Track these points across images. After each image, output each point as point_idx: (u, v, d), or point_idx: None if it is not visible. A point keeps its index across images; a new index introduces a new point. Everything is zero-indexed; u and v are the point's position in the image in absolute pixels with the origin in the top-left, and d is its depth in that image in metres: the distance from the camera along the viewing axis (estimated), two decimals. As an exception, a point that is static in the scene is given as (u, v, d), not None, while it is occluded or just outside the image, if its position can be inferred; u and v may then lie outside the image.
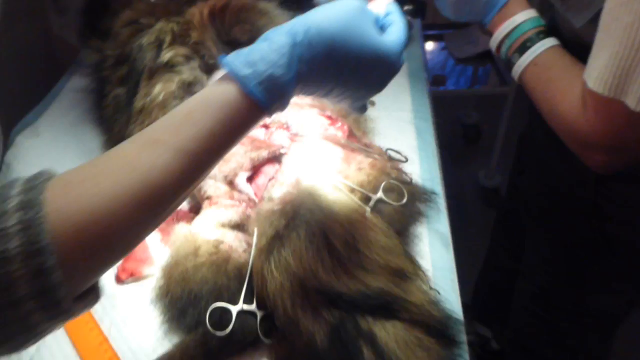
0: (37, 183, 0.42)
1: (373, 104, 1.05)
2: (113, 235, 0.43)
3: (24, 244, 0.37)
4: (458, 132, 2.59)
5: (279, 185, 0.73)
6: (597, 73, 0.63)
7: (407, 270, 0.65)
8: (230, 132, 0.48)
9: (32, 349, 0.68)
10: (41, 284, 0.38)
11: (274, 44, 0.48)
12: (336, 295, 0.61)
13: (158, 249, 0.79)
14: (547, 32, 0.79)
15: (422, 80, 1.13)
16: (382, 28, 0.55)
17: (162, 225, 0.83)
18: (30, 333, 0.41)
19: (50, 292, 0.39)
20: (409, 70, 1.16)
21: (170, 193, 0.46)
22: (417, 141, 0.97)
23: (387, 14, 0.57)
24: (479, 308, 1.54)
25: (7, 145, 0.97)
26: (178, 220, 0.83)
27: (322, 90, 0.53)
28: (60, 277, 0.39)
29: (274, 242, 0.64)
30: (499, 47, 0.83)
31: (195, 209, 0.84)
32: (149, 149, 0.45)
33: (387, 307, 0.62)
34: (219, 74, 0.88)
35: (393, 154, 0.85)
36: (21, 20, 1.14)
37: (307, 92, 0.52)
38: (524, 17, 0.80)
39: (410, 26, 1.25)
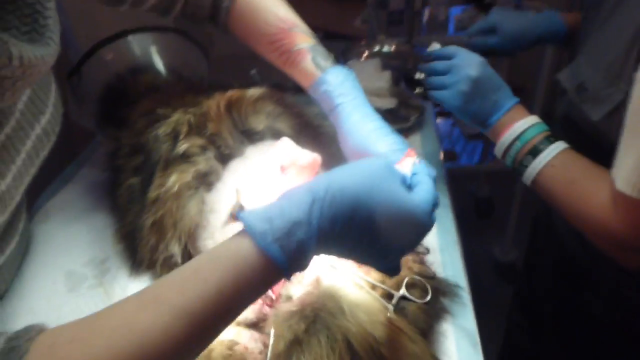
0: (20, 343, 0.38)
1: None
2: None
3: None
4: (469, 205, 2.57)
5: (297, 283, 0.70)
6: (625, 174, 0.61)
7: (436, 380, 0.60)
8: (242, 292, 0.44)
9: None
10: None
11: (293, 200, 0.46)
12: (361, 409, 0.57)
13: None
14: (555, 137, 0.79)
15: (439, 167, 1.12)
16: (409, 187, 0.53)
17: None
18: None
19: None
20: (425, 155, 1.15)
21: (170, 358, 0.41)
22: (436, 228, 0.94)
23: (414, 174, 0.56)
24: None
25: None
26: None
27: (346, 250, 0.50)
28: None
29: (293, 347, 0.61)
30: (505, 151, 0.84)
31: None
32: (150, 308, 0.41)
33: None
34: (234, 164, 0.87)
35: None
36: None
37: (330, 251, 0.50)
38: (530, 122, 0.81)
39: (422, 111, 1.26)
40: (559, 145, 0.77)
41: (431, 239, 0.91)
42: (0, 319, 0.79)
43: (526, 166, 0.80)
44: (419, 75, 0.98)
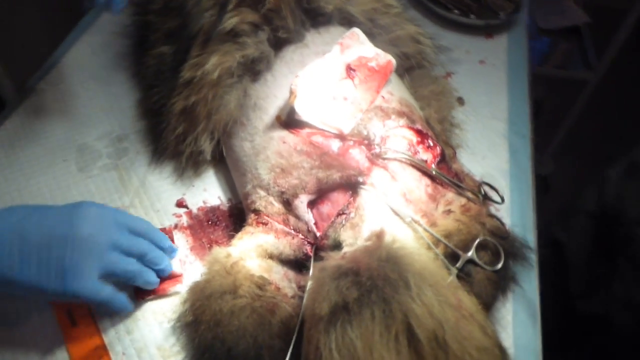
0: None
1: (462, 102, 0.87)
2: None
3: None
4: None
5: (350, 228, 0.58)
6: None
7: (499, 376, 0.51)
8: None
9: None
10: None
11: None
12: (409, 401, 0.48)
13: (186, 259, 0.66)
14: None
15: (523, 80, 0.93)
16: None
17: (195, 226, 0.70)
18: None
19: None
20: (508, 65, 0.96)
21: None
22: (509, 164, 0.80)
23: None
24: None
25: (24, 93, 0.81)
26: (213, 222, 0.69)
27: None
28: None
29: (339, 313, 0.50)
30: None
31: (237, 213, 0.70)
32: None
33: None
34: (289, 52, 0.70)
35: (487, 191, 0.68)
36: None
37: None
38: None
39: (518, 6, 1.03)
40: None
41: (501, 176, 0.77)
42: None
43: None
44: None
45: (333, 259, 0.54)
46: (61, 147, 0.75)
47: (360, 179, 0.60)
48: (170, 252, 0.61)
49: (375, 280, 0.50)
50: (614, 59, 1.70)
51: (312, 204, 0.61)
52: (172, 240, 0.65)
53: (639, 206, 0.87)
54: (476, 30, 1.02)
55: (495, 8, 1.03)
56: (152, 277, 0.59)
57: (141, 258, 0.57)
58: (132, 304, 0.58)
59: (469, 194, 0.65)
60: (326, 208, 0.61)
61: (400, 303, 0.49)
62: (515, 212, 0.74)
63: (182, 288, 0.62)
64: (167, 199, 0.71)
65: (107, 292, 0.54)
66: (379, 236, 0.54)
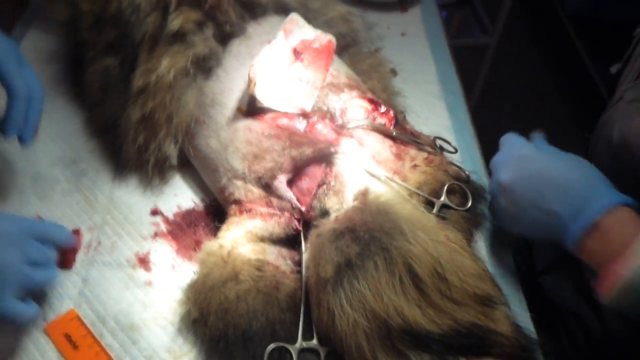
0: None
1: (395, 73, 0.93)
2: None
3: None
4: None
5: (334, 195, 0.61)
6: None
7: (494, 297, 0.56)
8: None
9: None
10: None
11: None
12: (425, 334, 0.52)
13: (172, 262, 0.66)
14: None
15: (443, 44, 1.01)
16: None
17: (174, 231, 0.70)
18: None
19: None
20: (427, 33, 1.03)
21: None
22: (450, 120, 0.86)
23: None
24: None
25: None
26: (192, 224, 0.70)
27: None
28: None
29: (343, 272, 0.53)
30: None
31: (213, 211, 0.71)
32: None
33: (480, 344, 0.53)
34: (235, 45, 0.72)
35: (441, 144, 0.74)
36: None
37: None
38: None
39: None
40: None
41: (446, 132, 0.83)
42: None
43: None
44: None
45: (327, 224, 0.57)
46: (13, 180, 0.72)
47: (332, 149, 0.63)
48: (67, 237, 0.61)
49: (372, 232, 0.54)
50: (506, 20, 1.86)
51: (290, 183, 0.64)
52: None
53: None
54: (391, 7, 1.08)
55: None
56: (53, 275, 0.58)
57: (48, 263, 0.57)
58: (38, 308, 0.57)
59: (428, 148, 0.71)
60: (305, 183, 0.64)
61: (399, 248, 0.53)
62: (466, 161, 0.80)
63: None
64: (140, 210, 0.70)
65: (19, 306, 0.53)
66: (364, 194, 0.58)
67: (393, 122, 0.71)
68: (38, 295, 0.60)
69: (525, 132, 0.66)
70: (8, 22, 0.96)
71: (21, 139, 0.62)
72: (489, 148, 0.76)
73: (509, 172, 0.60)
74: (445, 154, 0.74)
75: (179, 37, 0.66)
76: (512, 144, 0.64)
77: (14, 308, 0.52)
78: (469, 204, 0.66)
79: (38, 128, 0.64)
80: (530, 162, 0.59)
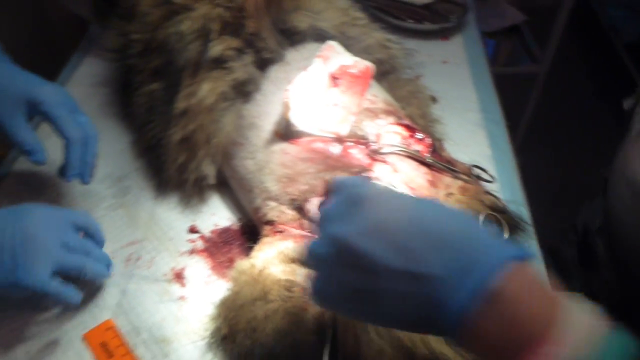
0: None
1: (435, 100, 0.93)
2: None
3: None
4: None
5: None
6: None
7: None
8: None
9: None
10: None
11: None
12: (450, 366, 0.51)
13: (206, 279, 0.68)
14: None
15: (485, 72, 1.00)
16: None
17: (210, 248, 0.72)
18: None
19: None
20: (469, 61, 1.03)
21: None
22: (491, 150, 0.85)
23: None
24: None
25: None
26: (227, 243, 0.72)
27: None
28: None
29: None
30: None
31: (249, 230, 0.72)
32: None
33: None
34: (274, 71, 0.74)
35: (478, 173, 0.73)
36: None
37: None
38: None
39: (466, 9, 1.11)
40: None
41: (486, 162, 0.82)
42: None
43: None
44: None
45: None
46: (63, 195, 0.76)
47: (366, 174, 0.64)
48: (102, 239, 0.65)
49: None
50: (557, 49, 1.82)
51: (323, 205, 0.65)
52: None
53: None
54: (432, 35, 1.09)
55: (445, 13, 1.11)
56: (101, 269, 0.62)
57: (87, 255, 0.61)
58: (80, 295, 0.60)
59: (464, 177, 0.70)
60: (337, 207, 0.64)
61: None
62: (505, 190, 0.79)
63: None
64: (179, 227, 0.73)
65: (55, 284, 0.57)
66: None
67: (430, 149, 0.70)
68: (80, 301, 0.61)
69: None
70: (68, 49, 1.03)
71: (81, 179, 0.67)
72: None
73: (348, 220, 0.40)
74: (483, 183, 0.73)
75: (220, 63, 0.69)
76: (351, 186, 0.44)
77: (49, 284, 0.56)
78: (506, 235, 0.64)
79: (95, 166, 0.69)
80: (382, 205, 0.40)
